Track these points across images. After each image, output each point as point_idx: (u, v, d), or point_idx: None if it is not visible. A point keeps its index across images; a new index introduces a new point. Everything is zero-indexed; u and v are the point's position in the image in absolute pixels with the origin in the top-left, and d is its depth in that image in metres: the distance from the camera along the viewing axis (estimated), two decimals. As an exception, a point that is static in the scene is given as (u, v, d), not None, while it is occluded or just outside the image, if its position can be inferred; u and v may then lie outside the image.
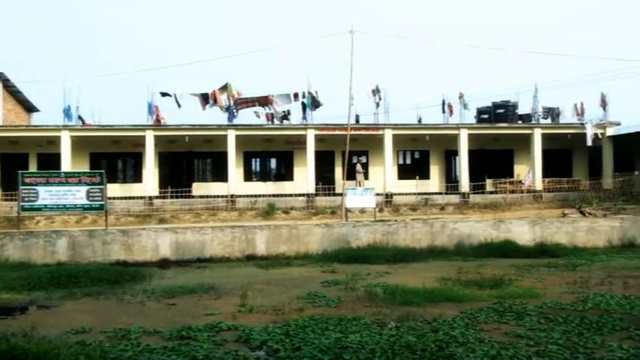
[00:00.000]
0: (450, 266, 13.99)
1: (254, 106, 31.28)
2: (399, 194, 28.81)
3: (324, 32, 75.82)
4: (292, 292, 10.69)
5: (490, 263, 14.44)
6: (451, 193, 29.40)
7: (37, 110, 37.72)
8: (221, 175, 29.46)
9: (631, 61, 51.60)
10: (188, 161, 31.60)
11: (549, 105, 33.02)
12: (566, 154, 32.31)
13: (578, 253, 16.46)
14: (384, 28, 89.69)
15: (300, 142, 29.66)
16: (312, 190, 28.60)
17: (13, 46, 73.64)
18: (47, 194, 17.33)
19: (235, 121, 30.01)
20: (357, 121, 32.02)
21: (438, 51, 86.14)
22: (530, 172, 30.08)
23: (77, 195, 17.41)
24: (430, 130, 30.42)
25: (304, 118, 31.11)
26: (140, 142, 28.71)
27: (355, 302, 9.69)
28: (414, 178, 30.47)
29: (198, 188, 29.74)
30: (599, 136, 30.08)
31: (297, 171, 30.89)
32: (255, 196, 27.91)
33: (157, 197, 28.28)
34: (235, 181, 28.80)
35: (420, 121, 33.33)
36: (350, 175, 27.27)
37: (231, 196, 27.95)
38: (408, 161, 32.36)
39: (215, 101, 30.19)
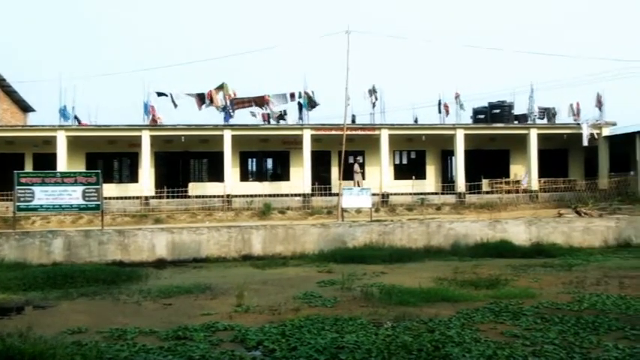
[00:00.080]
0: (446, 266, 14.00)
1: (250, 106, 31.28)
2: (396, 194, 28.84)
3: (321, 32, 75.88)
4: (288, 292, 10.69)
5: (486, 263, 14.45)
6: (447, 193, 29.42)
7: (33, 110, 37.64)
8: (217, 175, 29.43)
9: (628, 61, 51.65)
10: (184, 161, 31.56)
11: (545, 105, 33.14)
12: (562, 154, 32.38)
13: (574, 253, 16.48)
14: (381, 28, 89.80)
15: (297, 142, 29.65)
16: (308, 190, 28.59)
17: (11, 46, 73.49)
18: (43, 194, 17.28)
19: (231, 121, 29.99)
20: (354, 121, 32.03)
21: (434, 51, 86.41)
22: (526, 172, 30.17)
23: (73, 195, 17.36)
24: (426, 130, 30.45)
25: (300, 118, 31.14)
26: (136, 142, 28.65)
27: (351, 302, 9.70)
28: (411, 178, 30.46)
29: (194, 188, 29.70)
30: (595, 136, 30.15)
31: (293, 171, 30.87)
32: (252, 196, 27.90)
33: (153, 197, 28.22)
34: (231, 181, 28.77)
35: (416, 121, 33.39)
36: (346, 175, 27.25)
37: (228, 196, 27.92)
38: (405, 161, 32.38)
39: (211, 101, 30.15)
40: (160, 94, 30.09)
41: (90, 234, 16.76)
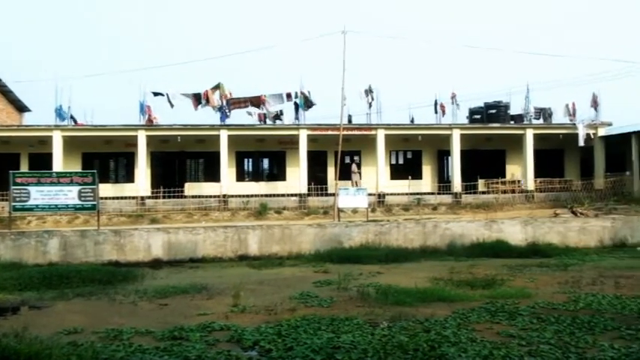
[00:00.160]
0: (442, 266, 14.01)
1: (246, 106, 31.27)
2: (392, 194, 28.87)
3: (319, 32, 75.88)
4: (285, 292, 10.67)
5: (482, 263, 14.45)
6: (443, 193, 29.47)
7: (29, 110, 37.54)
8: (213, 175, 29.41)
9: (625, 62, 51.84)
10: (180, 161, 31.55)
11: (541, 105, 33.22)
12: (558, 154, 32.47)
13: (570, 253, 16.49)
14: (378, 28, 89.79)
15: (293, 142, 29.65)
16: (304, 190, 28.60)
17: (7, 46, 73.26)
18: (39, 194, 17.23)
19: (228, 121, 29.98)
20: (350, 121, 32.06)
21: (430, 51, 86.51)
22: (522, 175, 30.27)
23: (69, 195, 17.32)
24: (423, 130, 30.48)
25: (297, 118, 31.13)
26: (132, 142, 28.63)
27: (347, 302, 9.69)
28: (407, 178, 30.53)
29: (190, 188, 29.68)
30: (591, 136, 30.24)
31: (289, 171, 30.88)
32: (248, 196, 27.89)
33: (149, 197, 28.21)
34: (228, 181, 28.76)
35: (412, 121, 33.46)
36: (343, 175, 27.30)
37: (224, 196, 27.91)
38: (401, 161, 32.44)
39: (207, 101, 30.15)
40: (156, 94, 30.06)
41: (86, 234, 16.71)
